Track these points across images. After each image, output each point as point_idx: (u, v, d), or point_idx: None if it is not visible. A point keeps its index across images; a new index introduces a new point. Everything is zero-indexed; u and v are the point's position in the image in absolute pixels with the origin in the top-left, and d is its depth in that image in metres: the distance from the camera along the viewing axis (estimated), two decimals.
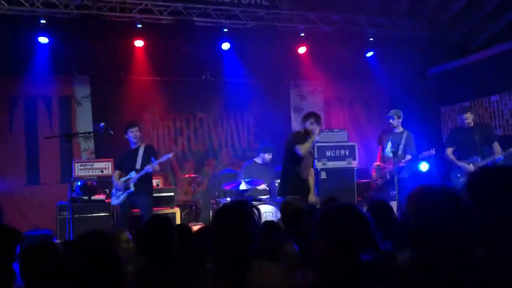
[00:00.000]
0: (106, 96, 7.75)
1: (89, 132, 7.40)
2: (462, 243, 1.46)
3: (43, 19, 6.66)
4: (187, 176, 7.81)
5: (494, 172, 1.73)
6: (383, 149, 6.76)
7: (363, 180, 7.75)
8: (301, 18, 7.77)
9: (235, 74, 8.17)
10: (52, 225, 6.81)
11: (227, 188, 6.64)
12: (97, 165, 6.96)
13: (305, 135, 5.42)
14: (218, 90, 8.52)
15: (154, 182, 7.04)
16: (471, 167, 5.94)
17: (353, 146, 7.58)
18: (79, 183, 6.51)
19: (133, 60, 7.65)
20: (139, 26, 7.07)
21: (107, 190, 6.75)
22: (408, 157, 6.40)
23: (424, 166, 8.19)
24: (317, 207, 5.07)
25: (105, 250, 1.93)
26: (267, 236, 3.11)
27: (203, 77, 8.32)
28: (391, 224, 2.91)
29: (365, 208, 3.20)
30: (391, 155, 6.60)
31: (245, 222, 1.95)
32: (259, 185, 6.61)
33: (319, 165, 7.19)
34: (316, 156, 7.15)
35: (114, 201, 6.10)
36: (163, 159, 5.99)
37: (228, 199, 6.76)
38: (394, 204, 5.94)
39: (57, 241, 6.25)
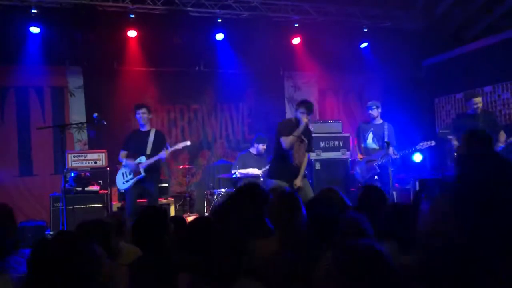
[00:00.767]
0: (99, 87, 7.69)
1: (82, 123, 7.37)
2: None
3: (34, 9, 6.58)
4: (181, 167, 7.80)
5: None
6: (364, 141, 6.81)
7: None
8: (295, 9, 7.73)
9: (229, 64, 8.14)
10: (45, 216, 6.80)
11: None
12: (91, 156, 6.93)
13: (296, 123, 5.38)
14: (212, 81, 8.49)
15: None
16: None
17: (347, 137, 7.61)
18: (72, 174, 6.49)
19: (126, 50, 7.59)
20: (132, 16, 7.01)
21: (101, 181, 6.74)
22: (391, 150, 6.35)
23: (417, 157, 8.25)
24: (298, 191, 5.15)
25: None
26: None
27: (197, 68, 8.29)
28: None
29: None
30: (373, 146, 6.67)
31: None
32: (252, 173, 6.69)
33: (313, 156, 7.21)
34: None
35: (121, 185, 5.93)
36: (179, 146, 5.99)
37: (223, 190, 6.77)
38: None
39: (51, 232, 6.25)
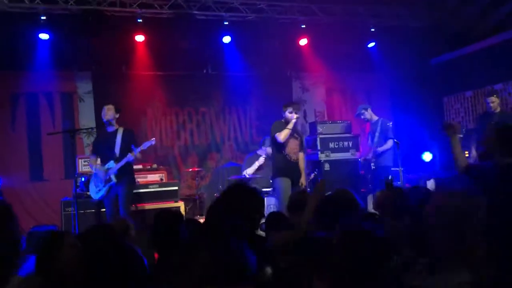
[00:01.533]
0: (108, 92, 7.73)
1: (92, 128, 7.41)
2: None
3: (43, 16, 6.65)
4: (190, 170, 7.82)
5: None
6: (370, 142, 6.95)
7: (367, 171, 7.75)
8: (301, 10, 7.72)
9: (236, 67, 8.15)
10: (57, 221, 6.83)
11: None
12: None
13: (285, 123, 5.82)
14: (220, 83, 8.51)
15: (158, 176, 7.05)
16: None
17: (357, 137, 7.56)
18: (83, 179, 6.52)
19: (134, 55, 7.64)
20: (140, 20, 7.05)
21: None
22: (390, 143, 6.52)
23: (427, 156, 8.21)
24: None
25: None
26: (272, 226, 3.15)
27: (205, 71, 8.31)
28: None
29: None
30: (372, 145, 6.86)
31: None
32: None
33: (322, 156, 7.18)
34: (319, 148, 7.15)
35: (95, 195, 5.50)
36: (144, 146, 5.47)
37: None
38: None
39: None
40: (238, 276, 1.63)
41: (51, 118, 7.69)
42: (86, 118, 7.75)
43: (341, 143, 7.34)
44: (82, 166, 6.85)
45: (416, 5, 8.16)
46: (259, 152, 7.13)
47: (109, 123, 5.48)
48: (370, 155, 6.82)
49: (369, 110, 6.94)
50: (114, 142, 5.41)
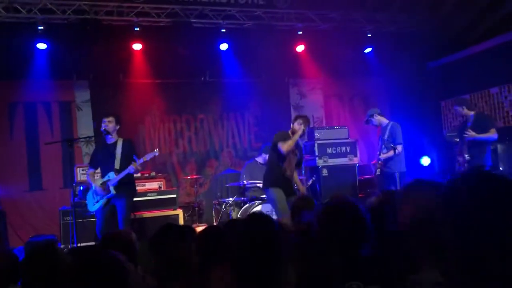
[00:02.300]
0: (106, 100, 7.76)
1: (90, 137, 7.42)
2: None
3: (41, 25, 6.68)
4: (189, 177, 7.82)
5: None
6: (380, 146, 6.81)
7: (365, 177, 7.75)
8: (298, 16, 7.76)
9: (234, 74, 8.18)
10: (55, 230, 6.83)
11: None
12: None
13: (291, 134, 5.47)
14: (218, 90, 8.54)
15: (156, 184, 7.06)
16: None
17: (354, 143, 7.59)
18: (81, 188, 6.51)
19: (132, 63, 7.67)
20: (137, 29, 7.08)
21: None
22: (399, 147, 6.19)
23: (425, 161, 8.22)
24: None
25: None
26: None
27: (202, 78, 8.34)
28: None
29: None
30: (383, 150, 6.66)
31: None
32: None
33: (320, 162, 7.20)
34: (317, 153, 7.16)
35: (92, 207, 5.35)
36: (147, 157, 5.41)
37: (231, 199, 6.78)
38: None
39: (62, 246, 6.28)
40: None
41: (50, 127, 7.71)
42: (84, 127, 7.77)
43: (338, 149, 7.36)
44: (81, 175, 6.85)
45: (412, 10, 8.20)
46: (257, 159, 7.13)
47: (108, 134, 5.35)
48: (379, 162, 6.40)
49: (377, 116, 6.47)
50: (114, 154, 5.31)
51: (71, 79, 7.80)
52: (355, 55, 8.35)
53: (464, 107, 6.18)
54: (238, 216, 6.50)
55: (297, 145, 5.48)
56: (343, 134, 7.59)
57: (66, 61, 7.33)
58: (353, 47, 8.21)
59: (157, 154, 5.61)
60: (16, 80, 7.43)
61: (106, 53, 7.26)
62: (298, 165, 5.72)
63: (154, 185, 7.05)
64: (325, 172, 7.27)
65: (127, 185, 5.32)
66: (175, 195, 7.07)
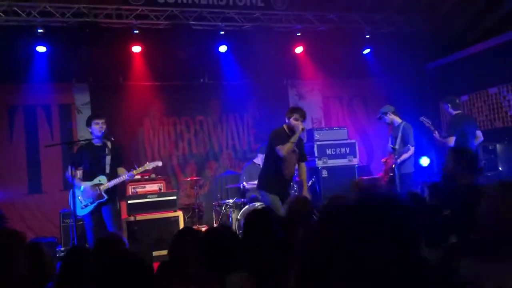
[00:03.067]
0: (106, 103, 7.77)
1: (89, 139, 7.40)
2: None
3: (40, 29, 6.70)
4: (189, 179, 7.83)
5: None
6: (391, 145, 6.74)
7: (364, 177, 7.76)
8: (296, 18, 7.79)
9: (233, 76, 8.20)
10: (56, 233, 6.84)
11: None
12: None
13: (288, 131, 5.12)
14: (217, 92, 8.55)
15: (157, 186, 7.07)
16: None
17: (354, 144, 7.60)
18: None
19: (131, 65, 7.69)
20: (136, 32, 7.10)
21: None
22: (411, 150, 6.13)
23: (425, 161, 8.22)
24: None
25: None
26: None
27: (201, 80, 8.36)
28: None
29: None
30: (390, 150, 6.61)
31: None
32: None
33: (319, 163, 7.21)
34: (316, 154, 7.18)
35: (79, 211, 5.03)
36: (148, 166, 5.32)
37: (231, 200, 6.79)
38: None
39: (62, 248, 6.29)
40: None
41: (49, 130, 7.72)
42: (84, 129, 7.70)
43: (338, 150, 7.38)
44: None
45: (410, 11, 8.23)
46: (255, 160, 7.15)
47: (100, 136, 5.17)
48: (392, 163, 6.30)
49: (391, 114, 6.37)
50: (103, 157, 5.12)
51: (71, 82, 7.81)
52: (354, 56, 8.37)
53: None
54: (238, 217, 6.51)
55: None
56: (343, 135, 7.61)
57: (66, 64, 7.34)
58: (351, 48, 8.24)
59: (160, 164, 5.50)
60: (15, 83, 7.44)
61: (106, 56, 7.28)
62: (302, 159, 5.35)
63: (154, 187, 7.05)
64: (324, 173, 7.29)
65: (114, 190, 5.18)
66: (175, 197, 7.05)
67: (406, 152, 6.08)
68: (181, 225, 6.73)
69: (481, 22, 7.83)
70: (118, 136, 6.13)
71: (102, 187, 5.05)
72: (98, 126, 5.14)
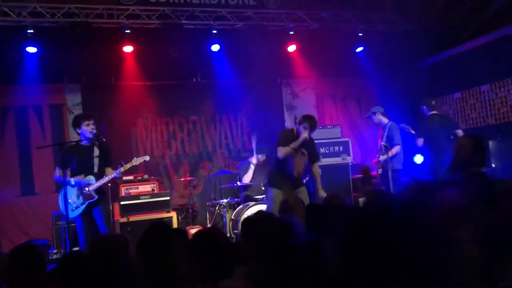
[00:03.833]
0: (98, 103, 7.72)
1: (81, 140, 7.35)
2: None
3: (30, 29, 6.63)
4: (182, 179, 7.80)
5: None
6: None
7: (358, 176, 7.77)
8: (289, 16, 7.77)
9: (226, 75, 8.17)
10: (48, 235, 6.80)
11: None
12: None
13: (296, 136, 5.35)
14: (210, 92, 8.52)
15: (150, 187, 7.04)
16: None
17: (347, 142, 7.61)
18: None
19: (123, 65, 7.63)
20: (128, 31, 7.05)
21: None
22: (396, 148, 6.31)
23: (418, 159, 8.23)
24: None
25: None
26: None
27: (194, 80, 8.32)
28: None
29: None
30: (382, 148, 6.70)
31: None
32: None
33: None
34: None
35: (70, 213, 4.96)
36: (136, 162, 5.34)
37: (225, 200, 6.77)
38: None
39: (54, 251, 6.24)
40: None
41: (41, 131, 7.66)
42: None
43: (332, 148, 7.38)
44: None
45: (403, 9, 8.24)
46: (250, 159, 7.13)
47: (89, 137, 5.12)
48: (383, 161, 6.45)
49: (379, 115, 6.58)
50: (91, 157, 5.10)
51: (62, 83, 7.75)
52: (347, 54, 8.37)
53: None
54: (232, 217, 6.49)
55: (303, 143, 5.30)
56: (336, 134, 7.61)
57: (57, 65, 7.28)
58: (344, 47, 8.24)
59: (147, 159, 5.56)
60: (6, 84, 7.37)
61: (97, 56, 7.22)
62: (314, 159, 5.63)
63: (147, 187, 7.03)
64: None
65: (104, 190, 5.19)
66: (168, 198, 7.03)
67: (391, 149, 6.24)
68: (175, 226, 6.71)
69: (473, 19, 7.85)
70: (110, 137, 6.10)
71: (90, 187, 5.02)
72: (90, 127, 5.10)
